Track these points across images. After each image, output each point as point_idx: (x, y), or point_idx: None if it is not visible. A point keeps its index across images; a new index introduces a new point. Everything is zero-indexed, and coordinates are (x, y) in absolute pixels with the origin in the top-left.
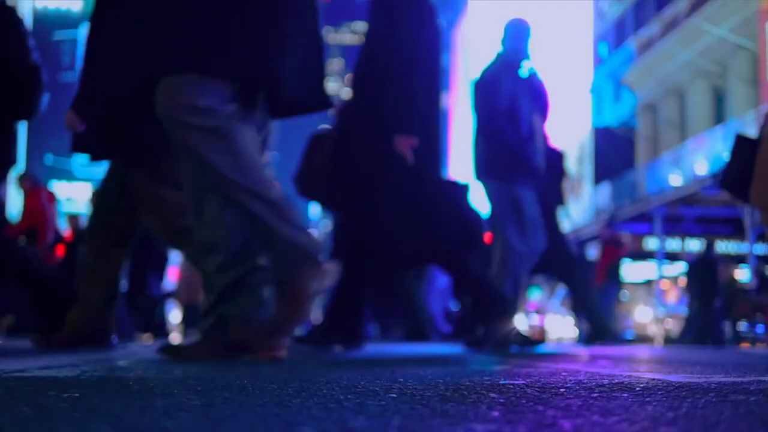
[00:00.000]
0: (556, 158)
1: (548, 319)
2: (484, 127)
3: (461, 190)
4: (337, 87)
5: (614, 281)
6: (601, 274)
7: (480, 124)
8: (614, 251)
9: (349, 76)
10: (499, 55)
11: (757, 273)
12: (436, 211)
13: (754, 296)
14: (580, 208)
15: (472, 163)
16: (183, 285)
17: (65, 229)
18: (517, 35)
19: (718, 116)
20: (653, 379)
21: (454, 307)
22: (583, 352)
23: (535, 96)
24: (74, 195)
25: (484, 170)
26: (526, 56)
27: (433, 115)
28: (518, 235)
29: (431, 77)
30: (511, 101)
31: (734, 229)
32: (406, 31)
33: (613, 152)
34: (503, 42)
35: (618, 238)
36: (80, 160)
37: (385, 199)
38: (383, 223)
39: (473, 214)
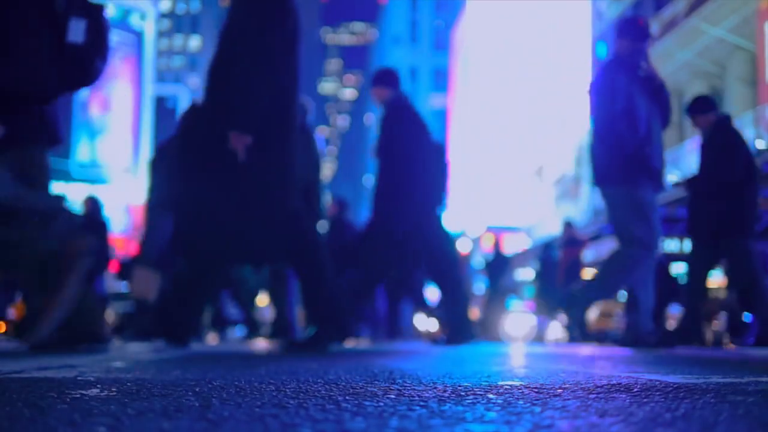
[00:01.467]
0: (437, 153)
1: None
2: (602, 130)
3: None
4: (335, 87)
5: (574, 280)
6: (560, 274)
7: (597, 127)
8: (572, 251)
9: (351, 75)
10: (613, 56)
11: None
12: (261, 214)
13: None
14: (579, 209)
15: (591, 168)
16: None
17: None
18: (632, 34)
19: None
20: (651, 380)
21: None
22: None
23: (654, 96)
24: (71, 196)
25: (603, 175)
26: (644, 56)
27: (283, 117)
28: (648, 234)
29: (281, 77)
30: (628, 102)
31: None
32: (252, 30)
33: None
34: (617, 41)
35: (575, 238)
36: (78, 161)
37: (207, 195)
38: (201, 217)
39: (302, 223)
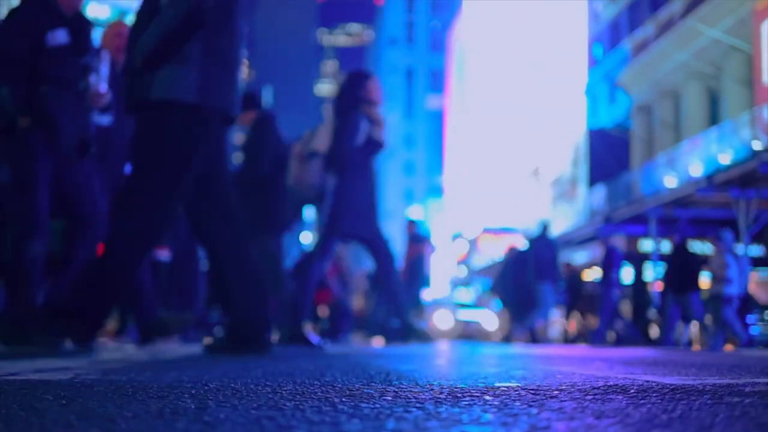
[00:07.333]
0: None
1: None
2: None
3: None
4: (332, 88)
5: (415, 277)
6: (404, 270)
7: None
8: (415, 248)
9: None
10: None
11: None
12: None
13: (594, 291)
14: (575, 209)
15: None
16: None
17: None
18: None
19: (713, 117)
20: (648, 381)
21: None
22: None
23: None
24: None
25: None
26: None
27: None
28: None
29: None
30: None
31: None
32: None
33: (608, 154)
34: None
35: (418, 235)
36: None
37: None
38: None
39: None
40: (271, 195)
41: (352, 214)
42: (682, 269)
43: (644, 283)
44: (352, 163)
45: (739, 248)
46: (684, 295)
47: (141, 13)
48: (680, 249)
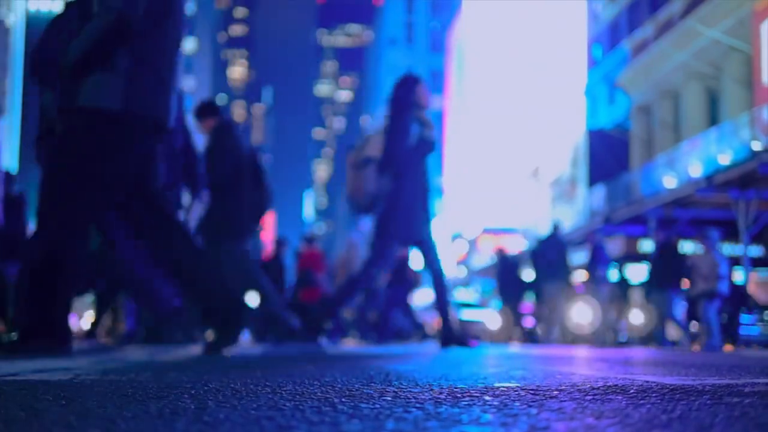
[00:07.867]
0: None
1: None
2: None
3: None
4: (331, 89)
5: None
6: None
7: None
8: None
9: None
10: None
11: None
12: None
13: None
14: (575, 210)
15: None
16: None
17: None
18: None
19: (713, 118)
20: (648, 382)
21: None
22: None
23: None
24: None
25: None
26: None
27: None
28: None
29: None
30: None
31: (728, 232)
32: None
33: (608, 154)
34: None
35: None
36: None
37: None
38: None
39: None
40: (231, 201)
41: (403, 218)
42: (666, 267)
43: None
44: (406, 165)
45: (736, 249)
46: (664, 292)
47: (75, 18)
48: (666, 247)
